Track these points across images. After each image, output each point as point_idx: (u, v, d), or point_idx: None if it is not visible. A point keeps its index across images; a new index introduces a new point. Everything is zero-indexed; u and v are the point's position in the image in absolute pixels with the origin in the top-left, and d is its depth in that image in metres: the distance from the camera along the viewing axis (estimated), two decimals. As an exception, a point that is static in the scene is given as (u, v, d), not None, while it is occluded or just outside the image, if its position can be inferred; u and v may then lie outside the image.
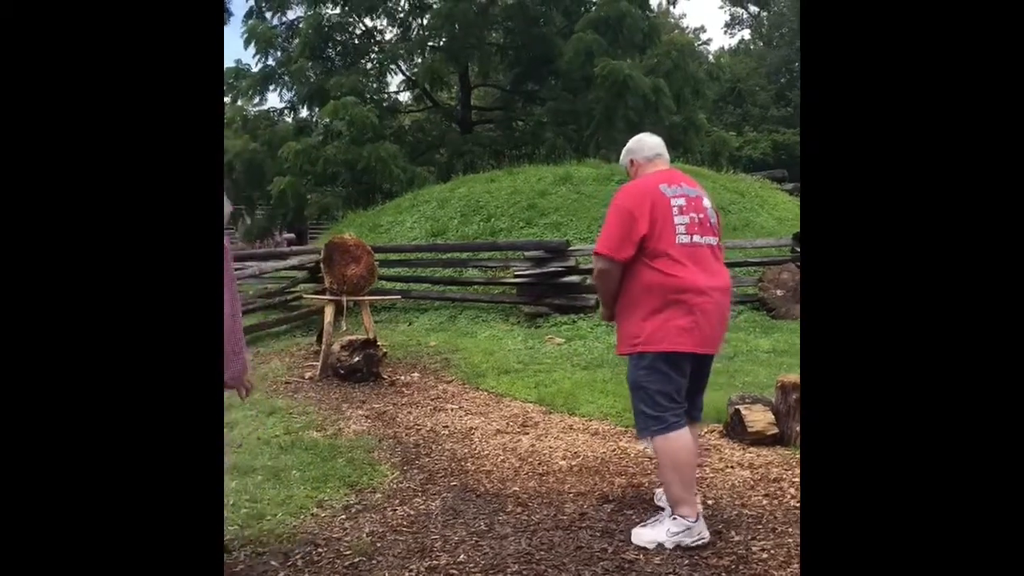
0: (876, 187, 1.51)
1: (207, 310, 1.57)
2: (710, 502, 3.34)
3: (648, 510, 3.25)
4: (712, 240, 3.04)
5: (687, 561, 2.79)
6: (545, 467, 3.92)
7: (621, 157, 3.31)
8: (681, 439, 2.94)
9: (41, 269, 1.41)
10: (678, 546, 2.86)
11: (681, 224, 2.94)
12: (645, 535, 2.95)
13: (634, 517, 3.19)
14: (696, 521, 2.91)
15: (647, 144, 3.20)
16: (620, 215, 2.96)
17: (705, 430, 4.39)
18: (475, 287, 9.17)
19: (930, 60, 1.50)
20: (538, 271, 8.37)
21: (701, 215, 3.01)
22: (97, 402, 1.42)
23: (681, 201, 2.98)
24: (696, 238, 2.97)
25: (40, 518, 1.36)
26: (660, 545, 2.88)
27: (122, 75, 1.49)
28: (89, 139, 1.47)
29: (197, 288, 1.55)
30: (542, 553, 2.89)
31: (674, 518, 2.91)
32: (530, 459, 4.05)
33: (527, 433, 4.56)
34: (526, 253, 8.75)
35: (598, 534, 3.06)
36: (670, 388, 2.94)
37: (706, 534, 2.92)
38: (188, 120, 1.55)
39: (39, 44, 1.43)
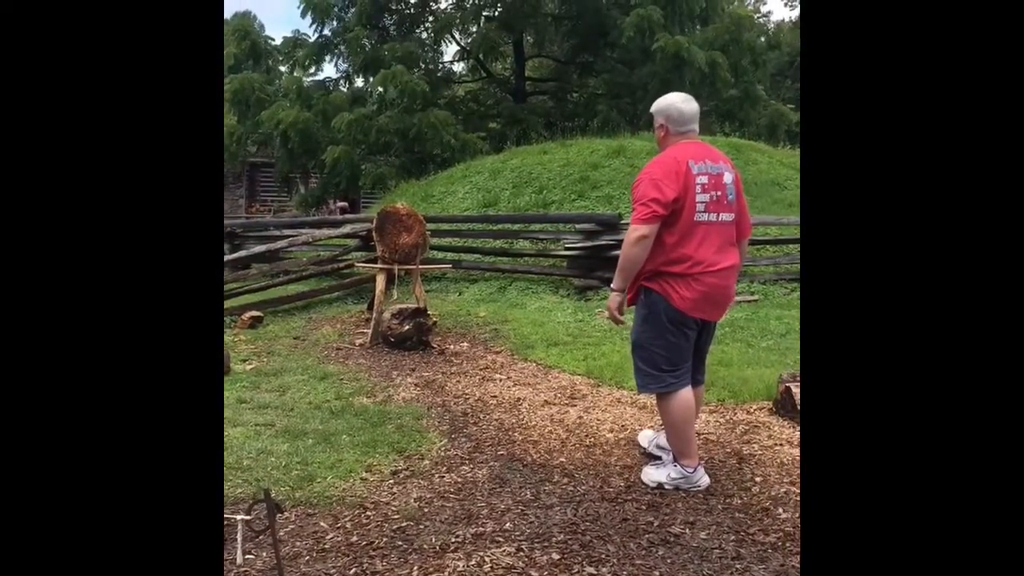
0: (877, 186, 1.49)
1: (208, 299, 1.55)
2: (758, 479, 3.32)
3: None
4: (728, 217, 3.16)
5: (733, 537, 2.78)
6: (592, 439, 3.92)
7: (654, 110, 3.26)
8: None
9: (39, 267, 1.39)
10: (677, 488, 3.20)
11: (702, 202, 3.06)
12: (651, 474, 3.30)
13: (679, 492, 3.18)
14: (694, 471, 3.21)
15: (685, 115, 3.19)
16: (654, 183, 3.05)
17: (755, 407, 4.35)
18: (526, 259, 9.17)
19: (929, 59, 1.47)
20: (589, 244, 8.33)
21: (719, 192, 3.11)
22: (98, 395, 1.41)
23: (704, 179, 3.08)
24: (711, 216, 3.09)
25: (34, 503, 1.35)
26: (661, 485, 3.22)
27: (120, 70, 1.47)
28: (82, 132, 1.44)
29: (197, 279, 1.53)
30: (587, 524, 2.90)
31: (675, 465, 3.24)
32: (577, 431, 4.06)
33: (575, 405, 4.57)
34: (577, 226, 8.70)
35: (644, 507, 3.06)
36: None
37: (703, 482, 3.23)
38: (186, 114, 1.52)
39: (32, 36, 1.41)
